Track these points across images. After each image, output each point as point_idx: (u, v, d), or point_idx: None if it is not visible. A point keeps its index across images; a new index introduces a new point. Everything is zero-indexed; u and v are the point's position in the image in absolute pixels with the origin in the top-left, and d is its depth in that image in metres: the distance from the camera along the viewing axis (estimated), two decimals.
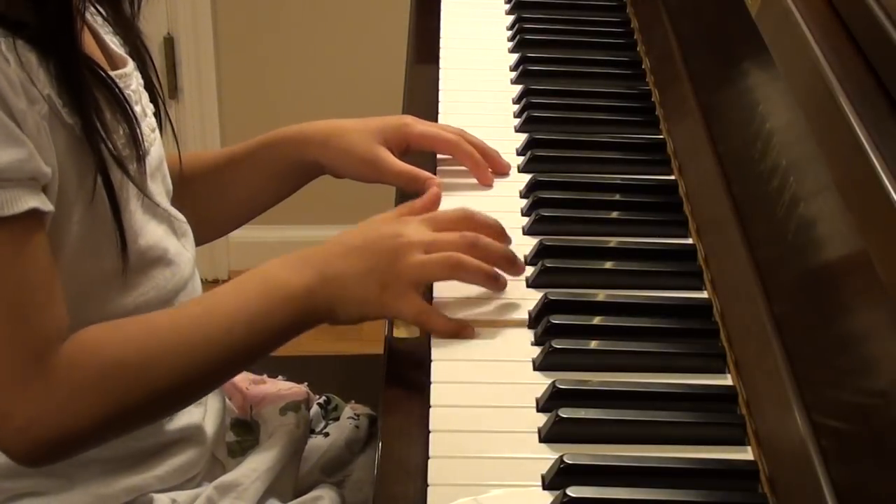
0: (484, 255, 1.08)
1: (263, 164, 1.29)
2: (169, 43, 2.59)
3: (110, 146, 1.03)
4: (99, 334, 1.02)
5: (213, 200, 1.29)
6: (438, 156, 1.32)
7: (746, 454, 0.95)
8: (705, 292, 1.12)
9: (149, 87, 1.16)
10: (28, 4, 0.98)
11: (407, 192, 1.25)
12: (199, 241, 1.23)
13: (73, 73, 1.00)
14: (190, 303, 1.11)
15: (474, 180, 1.29)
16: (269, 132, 1.30)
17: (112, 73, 1.07)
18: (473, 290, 1.11)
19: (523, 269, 1.12)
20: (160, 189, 1.14)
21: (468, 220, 1.11)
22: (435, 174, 1.28)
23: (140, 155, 1.08)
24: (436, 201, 1.14)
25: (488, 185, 1.29)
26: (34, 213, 0.97)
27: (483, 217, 1.12)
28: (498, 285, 1.10)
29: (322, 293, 1.05)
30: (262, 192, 1.32)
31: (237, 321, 1.04)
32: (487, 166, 1.29)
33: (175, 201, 1.18)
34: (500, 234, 1.12)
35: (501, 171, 1.30)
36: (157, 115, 1.16)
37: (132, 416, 1.04)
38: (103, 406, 1.00)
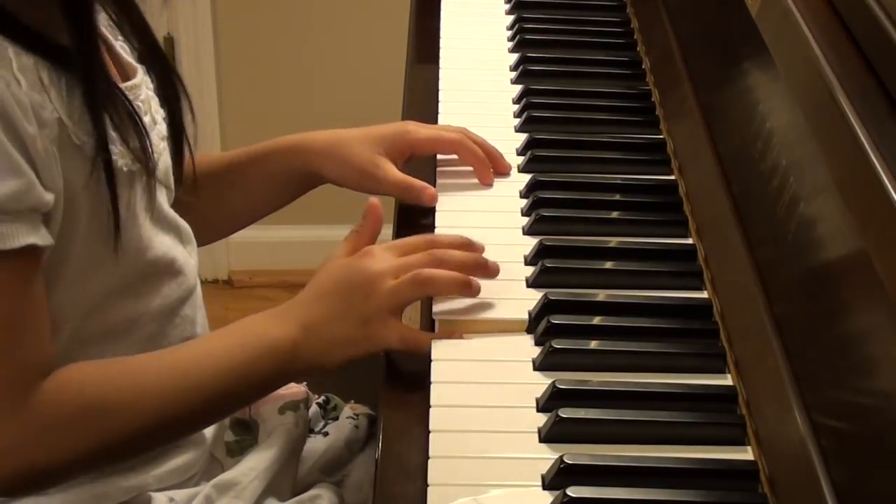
0: (453, 266, 1.08)
1: (264, 171, 1.29)
2: (169, 43, 2.59)
3: (119, 162, 1.03)
4: (82, 374, 1.02)
5: (212, 205, 1.29)
6: (438, 157, 1.32)
7: (746, 454, 0.95)
8: (705, 292, 1.12)
9: (161, 91, 1.15)
10: (62, 24, 0.98)
11: (404, 202, 1.25)
12: (197, 243, 1.23)
13: (96, 92, 0.99)
14: (174, 350, 1.10)
15: (474, 181, 1.29)
16: (271, 139, 1.30)
17: (123, 85, 1.06)
18: None
19: (497, 271, 1.11)
20: (164, 198, 1.14)
21: (431, 242, 1.11)
22: (435, 176, 1.29)
23: (150, 167, 1.07)
24: (376, 220, 1.12)
25: (489, 185, 1.29)
26: (31, 249, 0.97)
27: (445, 235, 1.13)
28: (471, 291, 1.09)
29: (306, 346, 1.06)
30: (262, 199, 1.33)
31: (220, 371, 1.05)
32: (490, 166, 1.29)
33: (174, 205, 1.18)
34: (466, 245, 1.12)
35: (503, 171, 1.30)
36: (166, 120, 1.15)
37: (107, 457, 1.05)
38: (79, 445, 1.01)
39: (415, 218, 1.25)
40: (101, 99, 1.00)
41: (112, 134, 1.02)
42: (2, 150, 0.95)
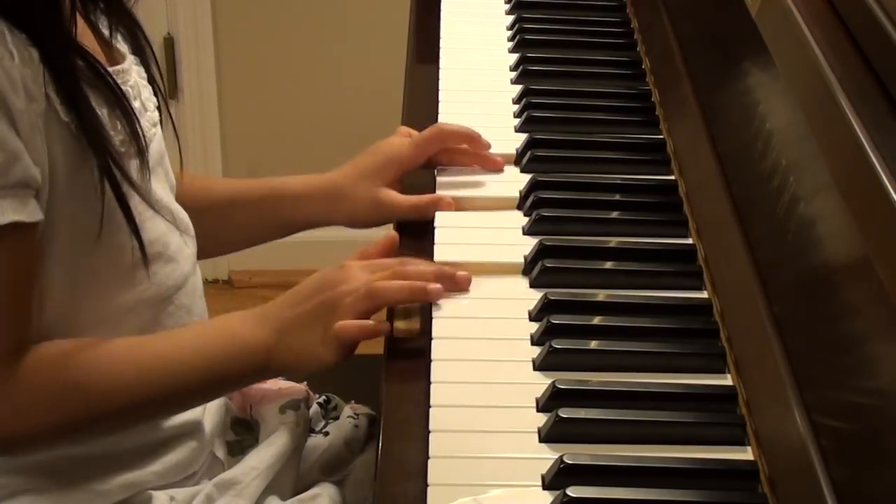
0: (385, 300, 1.09)
1: (264, 216, 1.32)
2: (169, 43, 2.58)
3: (108, 142, 1.03)
4: (64, 352, 1.05)
5: (208, 235, 1.30)
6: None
7: (746, 454, 0.95)
8: (705, 292, 1.12)
9: (151, 80, 1.16)
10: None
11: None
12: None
13: (65, 67, 1.00)
14: (154, 338, 1.12)
15: (473, 180, 1.29)
16: (272, 180, 1.31)
17: (110, 69, 1.07)
18: (473, 290, 1.12)
19: (468, 281, 1.12)
20: (162, 184, 1.14)
21: (401, 262, 1.12)
22: (435, 176, 1.29)
23: (141, 151, 1.08)
24: (390, 245, 1.16)
25: (497, 168, 1.30)
26: (17, 226, 0.98)
27: (419, 262, 1.13)
28: (428, 296, 1.09)
29: (278, 352, 1.08)
30: (260, 238, 1.36)
31: (196, 365, 1.08)
32: (478, 137, 1.30)
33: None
34: (439, 277, 1.11)
35: (483, 148, 1.31)
36: (158, 108, 1.16)
37: (83, 433, 1.08)
38: (56, 420, 1.04)
39: (414, 220, 1.25)
40: (71, 69, 1.01)
41: (99, 113, 1.03)
42: None
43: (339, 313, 1.07)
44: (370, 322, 1.07)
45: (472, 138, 1.30)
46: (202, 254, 1.31)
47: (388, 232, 1.17)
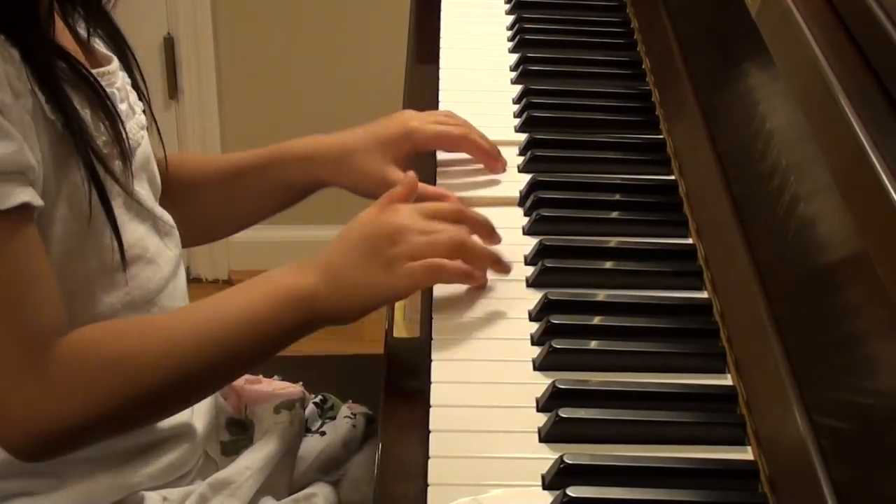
0: (472, 256, 1.09)
1: (272, 181, 1.30)
2: (169, 43, 2.58)
3: (92, 141, 1.03)
4: (99, 331, 1.02)
5: (215, 211, 1.29)
6: (438, 158, 1.32)
7: (746, 454, 0.95)
8: (705, 292, 1.12)
9: (135, 85, 1.16)
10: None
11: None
12: (193, 242, 1.23)
13: (46, 66, 0.99)
14: (193, 305, 1.10)
15: (474, 181, 1.29)
16: (276, 146, 1.30)
17: (95, 71, 1.07)
18: (473, 290, 1.12)
19: (509, 269, 1.13)
20: (146, 188, 1.14)
21: (459, 213, 1.12)
22: (435, 176, 1.29)
23: (124, 153, 1.07)
24: (413, 187, 1.14)
25: (499, 172, 1.30)
26: (26, 208, 0.97)
27: (474, 214, 1.14)
28: (476, 283, 1.11)
29: (328, 293, 1.06)
30: (268, 207, 1.33)
31: (241, 323, 1.04)
32: (497, 154, 1.30)
33: (167, 202, 1.18)
34: (490, 232, 1.14)
35: (499, 168, 1.31)
36: (145, 113, 1.16)
37: (130, 415, 1.03)
38: (101, 403, 1.00)
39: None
40: (51, 69, 1.00)
41: (81, 113, 1.02)
42: None
43: (403, 245, 1.06)
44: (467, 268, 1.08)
45: (491, 158, 1.30)
46: (210, 237, 1.30)
47: (407, 174, 1.16)
